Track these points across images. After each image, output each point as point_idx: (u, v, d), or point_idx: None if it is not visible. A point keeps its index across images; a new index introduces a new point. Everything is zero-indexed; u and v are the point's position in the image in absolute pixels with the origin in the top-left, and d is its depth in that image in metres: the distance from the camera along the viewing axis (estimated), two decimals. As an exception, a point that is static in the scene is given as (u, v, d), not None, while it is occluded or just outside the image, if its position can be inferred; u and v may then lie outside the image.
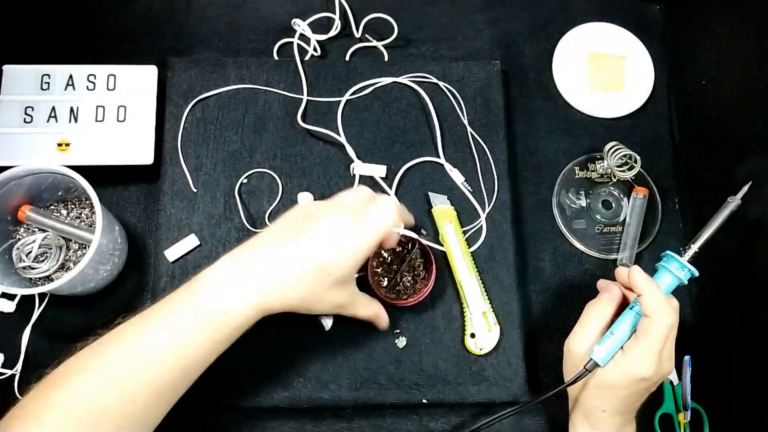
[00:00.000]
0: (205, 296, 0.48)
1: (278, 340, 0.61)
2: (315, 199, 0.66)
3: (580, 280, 0.69)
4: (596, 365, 0.52)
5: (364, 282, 0.62)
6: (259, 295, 0.48)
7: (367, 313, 0.57)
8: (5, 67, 0.66)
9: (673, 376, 0.65)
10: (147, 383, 0.46)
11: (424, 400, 0.61)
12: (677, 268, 0.54)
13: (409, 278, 0.62)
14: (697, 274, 0.55)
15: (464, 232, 0.66)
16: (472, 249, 0.65)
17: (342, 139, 0.67)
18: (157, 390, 0.46)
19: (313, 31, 0.73)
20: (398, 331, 0.63)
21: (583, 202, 0.71)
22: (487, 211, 0.67)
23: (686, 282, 0.55)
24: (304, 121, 0.68)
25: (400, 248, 0.63)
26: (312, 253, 0.49)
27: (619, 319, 0.54)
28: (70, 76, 0.66)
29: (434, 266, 0.62)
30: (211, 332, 0.47)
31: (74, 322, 0.63)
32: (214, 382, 0.59)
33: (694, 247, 0.55)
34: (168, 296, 0.49)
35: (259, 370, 0.60)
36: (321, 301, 0.51)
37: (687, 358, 0.63)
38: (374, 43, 0.75)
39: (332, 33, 0.74)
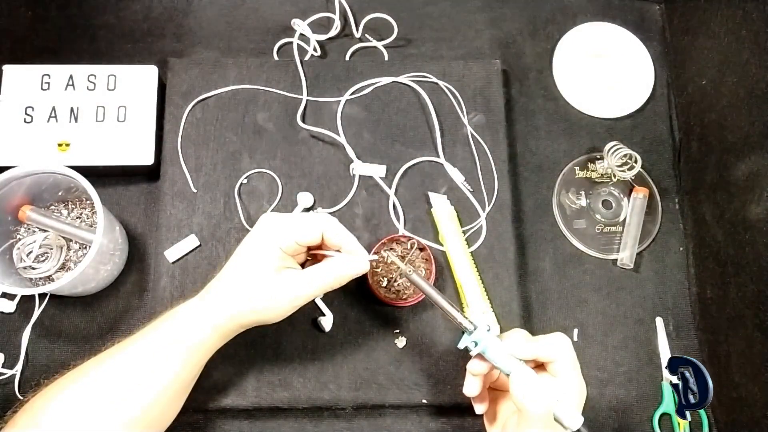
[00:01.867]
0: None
1: (278, 340, 0.61)
2: (314, 199, 0.66)
3: (580, 280, 0.69)
4: None
5: (364, 283, 0.62)
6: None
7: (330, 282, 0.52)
8: (5, 67, 0.66)
9: (671, 376, 0.65)
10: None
11: (424, 400, 0.61)
12: (482, 338, 0.48)
13: (409, 278, 0.62)
14: (489, 327, 0.49)
15: (464, 232, 0.66)
16: (472, 249, 0.65)
17: (341, 139, 0.67)
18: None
19: (313, 31, 0.72)
20: (398, 331, 0.63)
21: (583, 202, 0.71)
22: (487, 210, 0.67)
23: (496, 331, 0.49)
24: (303, 121, 0.68)
25: (400, 248, 0.63)
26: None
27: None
28: (70, 76, 0.66)
29: (434, 266, 0.62)
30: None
31: (74, 322, 0.63)
32: (214, 383, 0.59)
33: (482, 316, 0.49)
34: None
35: (259, 370, 0.60)
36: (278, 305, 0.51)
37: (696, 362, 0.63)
38: (374, 43, 0.75)
39: (332, 33, 0.74)
